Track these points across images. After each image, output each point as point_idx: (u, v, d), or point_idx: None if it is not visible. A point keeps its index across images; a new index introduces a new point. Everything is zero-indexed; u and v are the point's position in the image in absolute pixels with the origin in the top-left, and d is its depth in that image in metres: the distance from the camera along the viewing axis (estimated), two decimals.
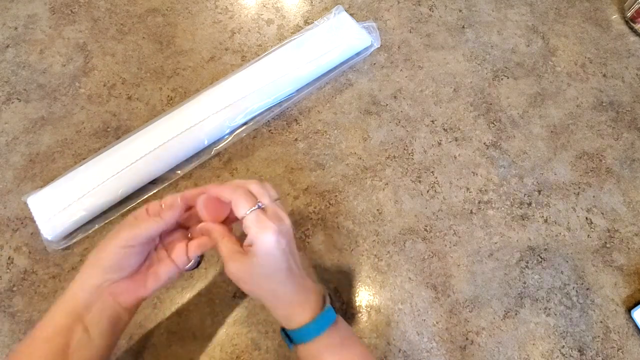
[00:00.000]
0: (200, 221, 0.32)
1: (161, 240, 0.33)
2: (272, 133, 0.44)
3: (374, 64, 0.48)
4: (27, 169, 0.41)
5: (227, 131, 0.43)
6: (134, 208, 0.40)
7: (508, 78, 0.49)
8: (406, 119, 0.46)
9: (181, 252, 0.32)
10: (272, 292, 0.30)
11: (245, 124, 0.43)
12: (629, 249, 0.41)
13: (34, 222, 0.37)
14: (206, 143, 0.42)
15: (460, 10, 0.53)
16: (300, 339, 0.29)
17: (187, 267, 0.33)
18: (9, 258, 0.38)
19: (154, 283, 0.31)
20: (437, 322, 0.37)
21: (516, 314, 0.38)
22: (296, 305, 0.29)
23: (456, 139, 0.45)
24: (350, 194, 0.42)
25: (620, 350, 0.37)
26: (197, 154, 0.42)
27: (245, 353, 0.35)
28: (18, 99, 0.45)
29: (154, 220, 0.31)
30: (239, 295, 0.37)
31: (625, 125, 0.47)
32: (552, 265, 0.40)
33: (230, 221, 0.33)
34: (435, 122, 0.46)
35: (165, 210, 0.31)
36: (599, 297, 0.39)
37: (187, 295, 0.37)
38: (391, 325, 0.37)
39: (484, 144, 0.45)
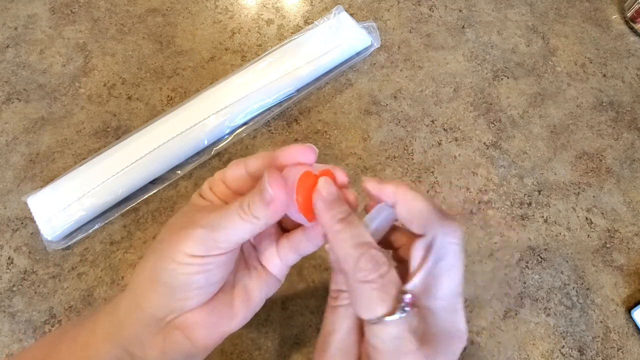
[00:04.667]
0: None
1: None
2: (272, 133, 0.44)
3: (374, 64, 0.48)
4: (27, 169, 0.41)
5: (227, 131, 0.43)
6: (134, 208, 0.40)
7: (508, 78, 0.49)
8: (406, 119, 0.46)
9: (272, 256, 0.23)
10: None
11: (245, 124, 0.43)
12: (629, 249, 0.41)
13: (34, 222, 0.37)
14: (206, 143, 0.42)
15: (460, 10, 0.53)
16: None
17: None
18: (9, 258, 0.38)
19: (244, 308, 0.22)
20: None
21: (516, 314, 0.38)
22: None
23: (456, 139, 0.45)
24: None
25: (620, 350, 0.37)
26: (197, 154, 0.42)
27: (246, 353, 0.35)
28: (18, 99, 0.45)
29: (244, 221, 0.20)
30: None
31: (625, 125, 0.47)
32: (552, 265, 0.40)
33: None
34: (435, 122, 0.46)
35: (262, 207, 0.20)
36: (599, 297, 0.39)
37: None
38: None
39: (484, 144, 0.45)
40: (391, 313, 0.17)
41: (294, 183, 0.21)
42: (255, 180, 0.22)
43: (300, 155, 0.22)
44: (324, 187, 0.20)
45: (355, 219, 0.20)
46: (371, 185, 0.22)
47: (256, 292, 0.22)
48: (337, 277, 0.21)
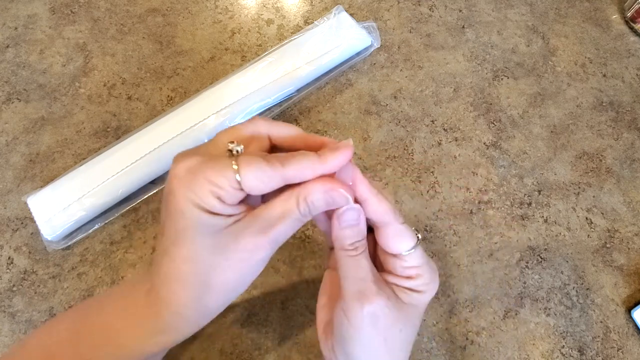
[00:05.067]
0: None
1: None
2: None
3: (374, 64, 0.48)
4: (27, 169, 0.41)
5: None
6: (134, 208, 0.40)
7: (508, 78, 0.49)
8: (406, 119, 0.46)
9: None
10: None
11: None
12: (629, 249, 0.41)
13: (34, 222, 0.37)
14: None
15: (460, 10, 0.53)
16: None
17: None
18: (9, 258, 0.38)
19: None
20: (437, 322, 0.37)
21: (516, 314, 0.38)
22: None
23: (456, 139, 0.45)
24: None
25: (620, 350, 0.37)
26: None
27: (246, 353, 0.35)
28: (18, 99, 0.45)
29: (299, 222, 0.23)
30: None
31: (625, 125, 0.47)
32: (552, 265, 0.40)
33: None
34: (435, 122, 0.46)
35: (327, 206, 0.23)
36: (599, 297, 0.39)
37: None
38: None
39: (484, 144, 0.45)
40: (416, 241, 0.24)
41: (347, 179, 0.24)
42: (284, 180, 0.22)
43: (348, 158, 0.23)
44: (355, 167, 0.24)
45: None
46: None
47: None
48: (348, 232, 0.24)
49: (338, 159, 0.22)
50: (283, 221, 0.22)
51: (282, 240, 0.22)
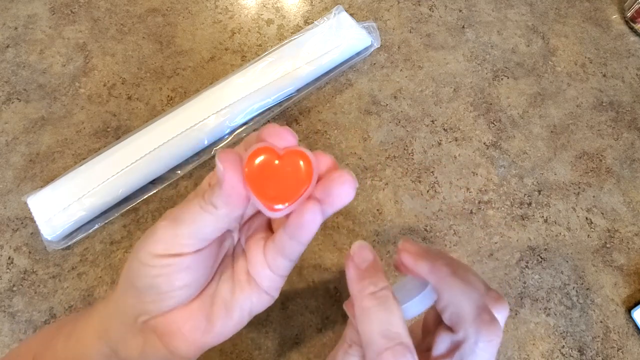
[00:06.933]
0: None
1: (242, 234, 0.21)
2: None
3: (374, 64, 0.48)
4: (27, 169, 0.41)
5: (227, 131, 0.43)
6: (134, 208, 0.40)
7: (508, 78, 0.49)
8: (406, 119, 0.46)
9: (262, 266, 0.19)
10: None
11: (245, 124, 0.43)
12: (629, 249, 0.41)
13: (34, 222, 0.37)
14: (206, 143, 0.42)
15: (460, 10, 0.53)
16: None
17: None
18: (9, 258, 0.38)
19: (222, 323, 0.19)
20: None
21: (516, 314, 0.38)
22: None
23: (456, 139, 0.45)
24: None
25: (620, 350, 0.37)
26: (197, 154, 0.42)
27: (245, 353, 0.35)
28: (18, 99, 0.45)
29: (203, 211, 0.17)
30: None
31: (625, 125, 0.47)
32: (552, 265, 0.40)
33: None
34: (435, 122, 0.46)
35: (218, 191, 0.17)
36: (599, 297, 0.39)
37: None
38: None
39: (484, 144, 0.45)
40: None
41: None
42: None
43: (277, 136, 0.19)
44: (357, 251, 0.18)
45: (390, 296, 0.17)
46: (406, 257, 0.19)
47: (236, 308, 0.19)
48: (352, 331, 0.20)
49: (266, 129, 0.18)
50: (187, 202, 0.19)
51: (182, 223, 0.18)
